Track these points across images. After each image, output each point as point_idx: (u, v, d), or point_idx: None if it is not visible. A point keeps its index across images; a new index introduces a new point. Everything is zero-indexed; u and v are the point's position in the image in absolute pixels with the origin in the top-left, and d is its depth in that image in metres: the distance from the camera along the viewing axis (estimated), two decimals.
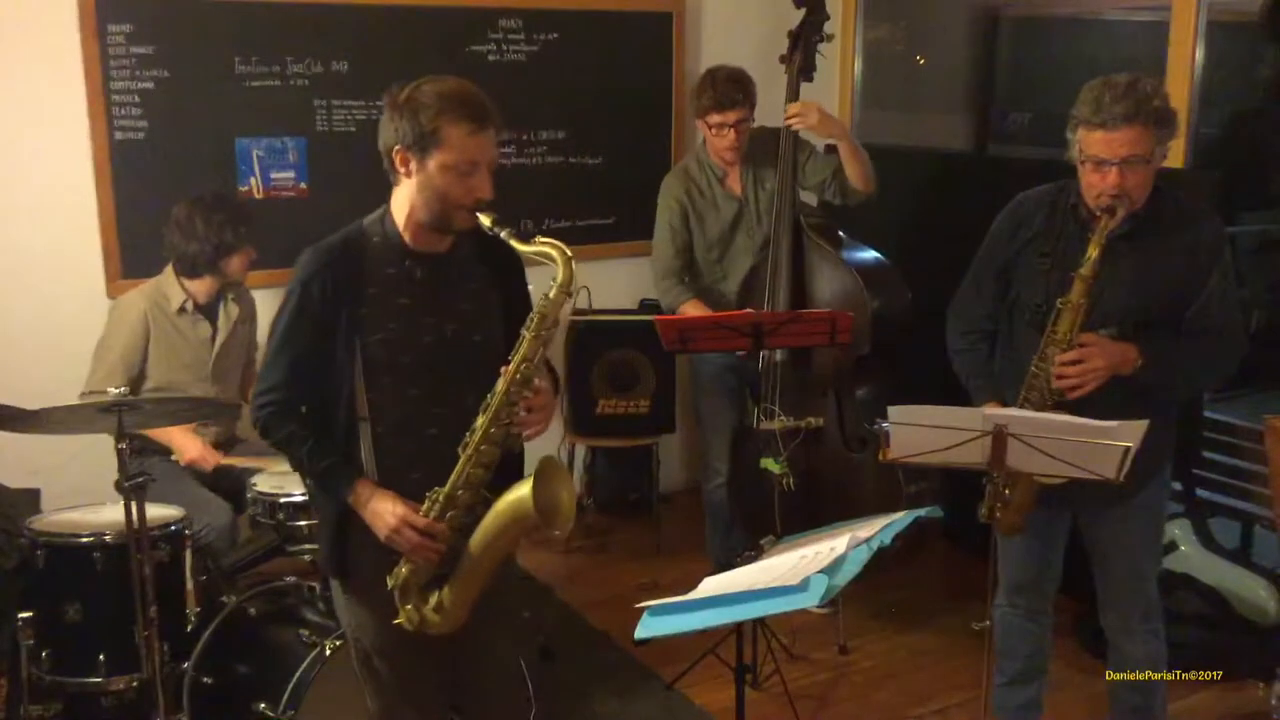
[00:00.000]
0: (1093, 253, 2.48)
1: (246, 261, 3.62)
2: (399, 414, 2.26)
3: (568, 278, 2.15)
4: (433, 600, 2.26)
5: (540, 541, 4.57)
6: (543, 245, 2.15)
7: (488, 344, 2.29)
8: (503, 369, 2.18)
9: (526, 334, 2.17)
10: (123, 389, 2.84)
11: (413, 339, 2.24)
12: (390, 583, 2.26)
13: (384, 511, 2.21)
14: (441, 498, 2.20)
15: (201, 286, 3.60)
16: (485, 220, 2.18)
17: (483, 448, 2.18)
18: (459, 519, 2.22)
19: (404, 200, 2.24)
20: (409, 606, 2.26)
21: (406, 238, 2.26)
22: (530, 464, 2.24)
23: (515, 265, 2.30)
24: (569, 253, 2.16)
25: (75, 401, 3.40)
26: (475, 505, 2.22)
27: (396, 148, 2.19)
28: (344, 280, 2.22)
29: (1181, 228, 2.61)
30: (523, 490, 2.14)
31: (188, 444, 3.49)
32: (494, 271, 2.34)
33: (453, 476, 2.20)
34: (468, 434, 2.19)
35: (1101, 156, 2.48)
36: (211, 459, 3.49)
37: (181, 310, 3.58)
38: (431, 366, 2.26)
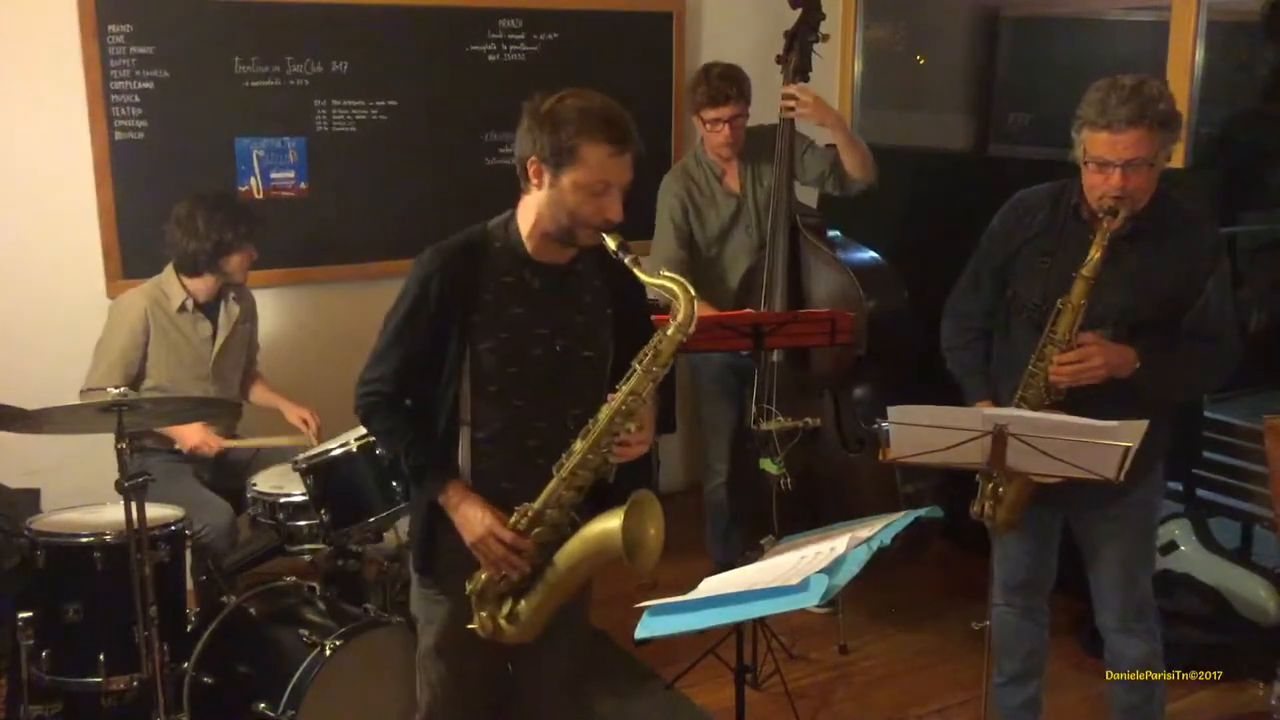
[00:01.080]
0: (1095, 254, 2.48)
1: (247, 261, 3.62)
2: (500, 423, 2.25)
3: (689, 317, 2.12)
4: (506, 609, 2.26)
5: None
6: (666, 279, 2.13)
7: (596, 360, 2.28)
8: (609, 396, 2.17)
9: (638, 367, 2.15)
10: (122, 389, 2.83)
11: (523, 350, 2.23)
12: (469, 587, 2.26)
13: (474, 518, 2.21)
14: (530, 513, 2.20)
15: (202, 285, 3.60)
16: (611, 243, 2.15)
17: (578, 472, 2.17)
18: (545, 536, 2.21)
19: (531, 210, 2.22)
20: (484, 613, 2.26)
21: (529, 247, 2.24)
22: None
23: (635, 283, 2.22)
24: (692, 291, 2.13)
25: (75, 401, 3.42)
26: (562, 526, 2.21)
27: (531, 158, 2.17)
28: (461, 282, 2.20)
29: (1180, 230, 2.61)
30: (612, 522, 2.12)
31: (189, 431, 3.48)
32: (610, 284, 2.32)
33: (544, 495, 2.19)
34: (564, 455, 2.18)
35: (1106, 158, 2.48)
36: (213, 443, 3.49)
37: (182, 309, 3.58)
38: (538, 379, 2.25)
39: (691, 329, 2.13)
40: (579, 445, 2.17)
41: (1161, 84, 2.53)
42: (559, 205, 2.17)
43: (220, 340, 3.64)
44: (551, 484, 2.19)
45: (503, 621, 2.25)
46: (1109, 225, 2.48)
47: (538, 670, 2.46)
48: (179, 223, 3.54)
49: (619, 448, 2.19)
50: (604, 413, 2.15)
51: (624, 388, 2.15)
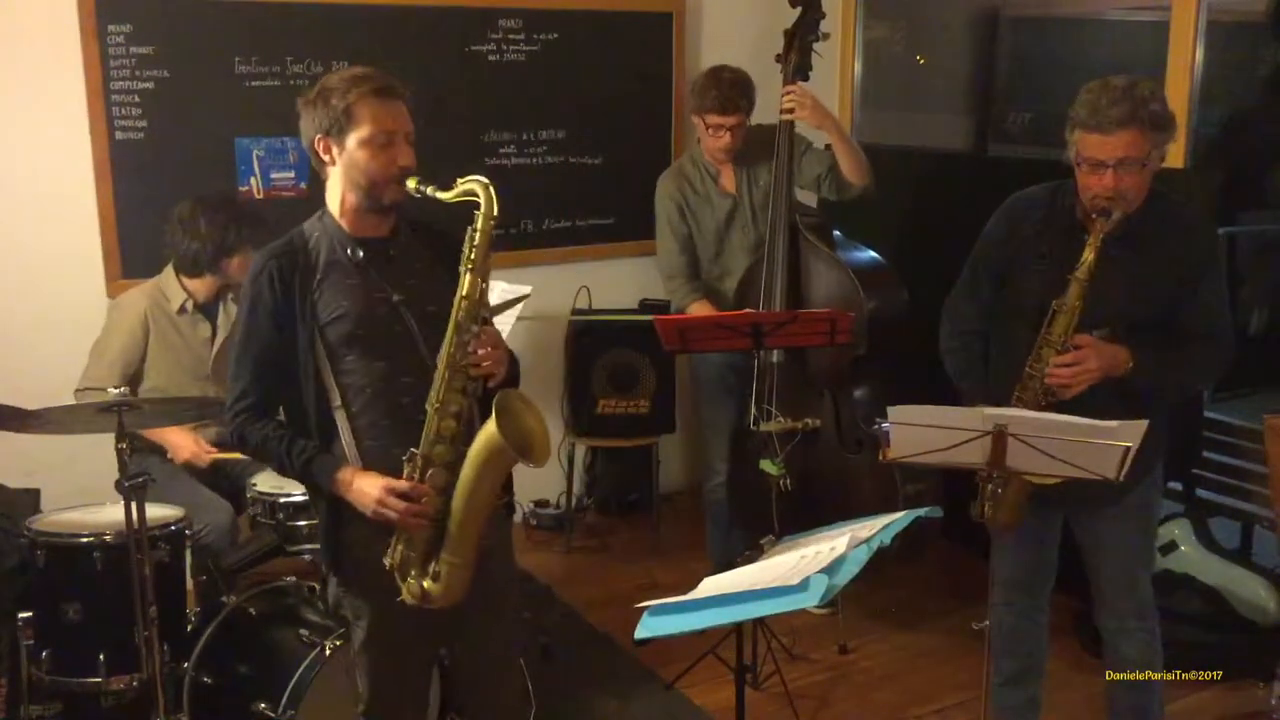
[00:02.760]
0: (1088, 256, 2.48)
1: (248, 263, 3.60)
2: (369, 390, 2.29)
3: (489, 205, 2.19)
4: (431, 570, 2.26)
5: (540, 542, 4.59)
6: (464, 184, 2.21)
7: (441, 314, 2.28)
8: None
9: (463, 270, 2.20)
10: (123, 389, 2.83)
11: (368, 312, 2.29)
12: (388, 562, 2.27)
13: (366, 487, 2.23)
14: (420, 459, 2.22)
15: (201, 286, 3.60)
16: (411, 184, 2.24)
17: (446, 397, 2.20)
18: (441, 477, 2.23)
19: (335, 189, 2.31)
20: (409, 581, 2.27)
21: (345, 226, 2.32)
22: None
23: (457, 248, 2.30)
24: (487, 182, 2.20)
25: (72, 399, 3.43)
26: (455, 462, 2.23)
27: (317, 138, 2.27)
28: (291, 273, 2.28)
29: (1175, 230, 2.62)
30: (489, 427, 2.15)
31: (182, 441, 3.48)
32: (437, 257, 2.38)
33: (424, 433, 2.22)
34: (431, 390, 2.22)
35: (1097, 159, 2.48)
36: (205, 456, 3.49)
37: (181, 310, 3.57)
38: (390, 337, 2.30)
39: (495, 214, 2.20)
40: (439, 371, 2.21)
41: (1154, 84, 2.53)
42: (355, 169, 2.26)
43: (219, 341, 3.64)
44: (428, 419, 2.22)
45: (428, 583, 2.26)
46: (1102, 227, 2.48)
47: (471, 650, 2.49)
48: (180, 223, 3.54)
49: (477, 355, 2.21)
50: (449, 328, 2.20)
51: (457, 295, 2.20)
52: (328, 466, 2.27)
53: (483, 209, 2.20)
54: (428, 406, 2.21)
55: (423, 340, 2.29)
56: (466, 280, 2.20)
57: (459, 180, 2.22)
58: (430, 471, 2.22)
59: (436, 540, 2.26)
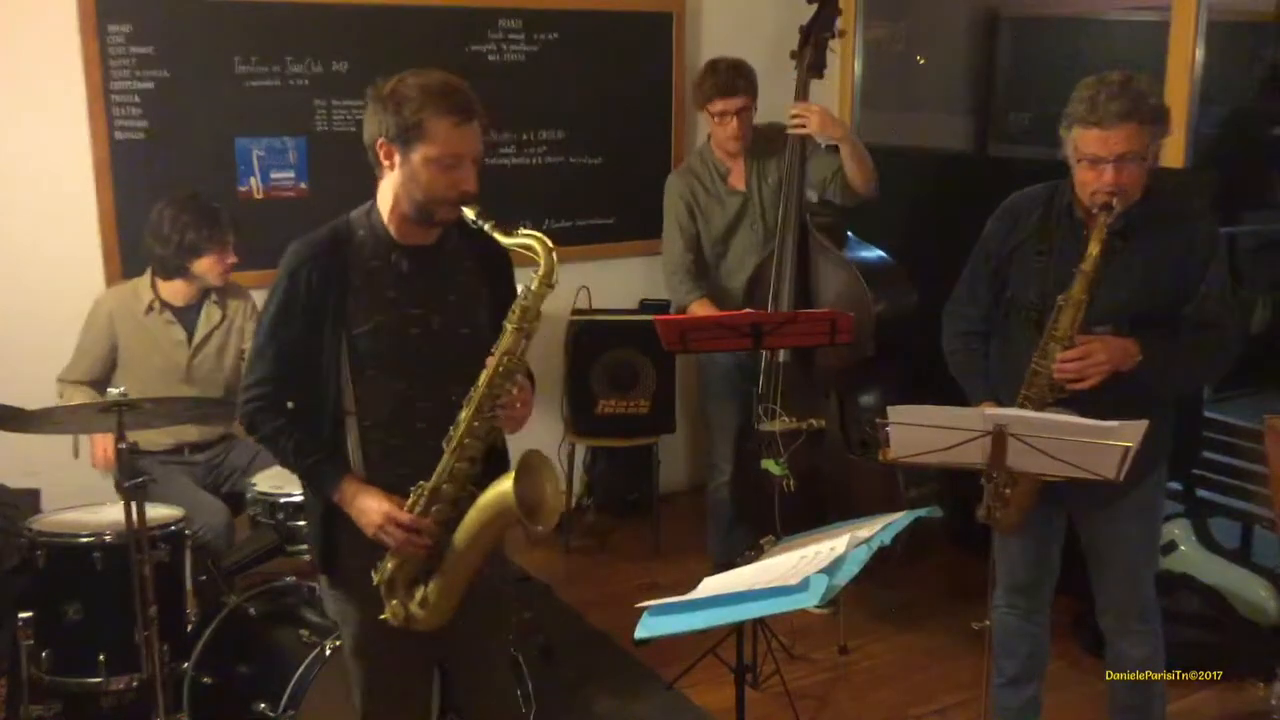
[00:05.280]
0: (1094, 249, 2.48)
1: (219, 264, 3.53)
2: (385, 408, 2.26)
3: (549, 269, 2.15)
4: (418, 595, 2.25)
5: (540, 541, 4.58)
6: (524, 237, 2.15)
7: (474, 337, 2.28)
8: (487, 360, 2.18)
9: (509, 326, 2.17)
10: (122, 389, 2.82)
11: (399, 332, 2.24)
12: (376, 578, 2.26)
13: (369, 509, 2.21)
14: (427, 492, 2.20)
15: (175, 289, 3.56)
16: (469, 213, 2.18)
17: (466, 441, 2.18)
18: (444, 513, 2.22)
19: (389, 193, 2.24)
20: (394, 601, 2.26)
21: (392, 230, 2.26)
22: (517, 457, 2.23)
23: (503, 258, 2.29)
24: (550, 244, 2.15)
25: (57, 388, 3.49)
26: (460, 499, 2.22)
27: (380, 140, 2.20)
28: (330, 272, 2.22)
29: (1176, 225, 2.62)
30: (504, 485, 2.13)
31: (98, 447, 3.45)
32: (481, 264, 2.34)
33: (437, 471, 2.20)
34: (451, 428, 2.19)
35: (1098, 154, 2.49)
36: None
37: (149, 310, 3.55)
38: (418, 360, 2.26)
39: (554, 281, 2.16)
40: (464, 415, 2.18)
41: (1149, 79, 2.54)
42: (413, 183, 2.19)
43: (194, 344, 3.60)
44: (443, 458, 2.19)
45: (414, 608, 2.25)
46: (1105, 220, 2.49)
47: (465, 657, 2.48)
48: (149, 226, 3.51)
49: (504, 411, 2.20)
50: (482, 377, 2.17)
51: (498, 349, 2.17)
52: (332, 474, 2.25)
53: (541, 271, 2.14)
54: (444, 444, 2.19)
55: (449, 368, 2.26)
56: (509, 336, 2.16)
57: (523, 229, 2.16)
58: (435, 507, 2.21)
59: (430, 566, 2.25)
